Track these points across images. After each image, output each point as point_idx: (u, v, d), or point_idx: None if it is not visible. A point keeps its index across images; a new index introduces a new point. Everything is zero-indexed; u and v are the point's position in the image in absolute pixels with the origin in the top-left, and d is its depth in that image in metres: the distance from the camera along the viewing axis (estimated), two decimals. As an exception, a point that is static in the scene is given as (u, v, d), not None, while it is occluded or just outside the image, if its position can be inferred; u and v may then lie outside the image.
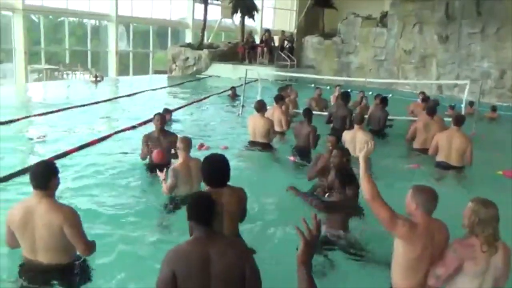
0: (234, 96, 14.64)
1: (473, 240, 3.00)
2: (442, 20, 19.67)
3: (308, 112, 8.21)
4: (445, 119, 9.34)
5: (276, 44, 24.32)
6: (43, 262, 3.43)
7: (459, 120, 7.26)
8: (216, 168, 3.80)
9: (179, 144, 5.34)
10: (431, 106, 8.83)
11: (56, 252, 3.43)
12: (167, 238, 4.50)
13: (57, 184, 3.50)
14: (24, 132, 9.28)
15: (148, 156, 6.47)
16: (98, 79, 18.22)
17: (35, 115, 10.66)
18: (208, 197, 3.04)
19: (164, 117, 6.77)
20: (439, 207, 3.22)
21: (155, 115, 6.62)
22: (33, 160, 6.82)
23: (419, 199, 3.16)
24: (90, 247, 3.47)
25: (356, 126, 7.44)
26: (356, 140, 7.26)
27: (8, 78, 19.94)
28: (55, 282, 3.48)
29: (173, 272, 2.74)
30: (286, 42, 24.02)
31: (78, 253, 3.51)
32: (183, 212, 4.53)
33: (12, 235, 3.48)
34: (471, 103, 12.62)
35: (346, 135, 7.47)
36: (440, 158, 7.22)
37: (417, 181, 3.45)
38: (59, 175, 3.52)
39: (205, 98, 14.78)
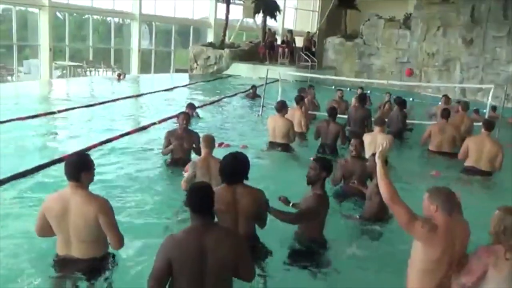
0: (254, 96, 14.60)
1: (497, 247, 2.96)
2: (467, 23, 19.37)
3: (333, 111, 8.24)
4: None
5: (299, 45, 24.27)
6: (76, 255, 3.49)
7: (489, 125, 7.16)
8: (231, 164, 3.84)
9: (202, 141, 5.41)
10: (445, 110, 8.82)
11: (90, 244, 3.49)
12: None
13: (91, 178, 3.55)
14: (47, 127, 9.46)
15: (170, 153, 6.52)
16: (121, 77, 18.38)
17: (59, 111, 10.83)
18: (206, 187, 3.05)
19: (188, 115, 6.86)
20: (467, 213, 3.16)
21: (180, 113, 6.74)
22: (55, 155, 6.99)
23: (438, 200, 3.09)
24: (122, 239, 3.49)
25: (376, 128, 7.33)
26: (377, 143, 7.18)
27: (33, 74, 20.32)
28: (88, 275, 3.52)
29: (169, 259, 2.81)
30: (309, 43, 23.96)
31: (109, 246, 3.56)
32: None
33: (45, 223, 3.52)
34: (493, 108, 12.38)
35: (366, 138, 7.38)
36: (469, 163, 7.16)
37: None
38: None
39: (225, 97, 14.83)
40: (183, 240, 2.87)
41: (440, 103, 11.68)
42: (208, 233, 2.87)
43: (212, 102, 13.87)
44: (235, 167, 3.83)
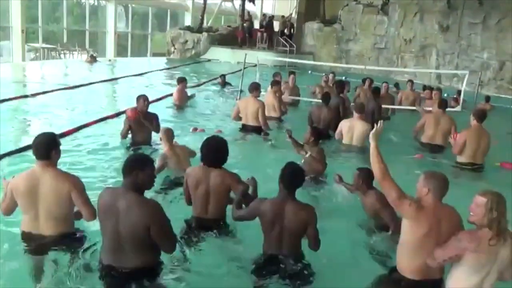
0: (223, 84, 14.02)
1: (481, 232, 3.00)
2: (444, 10, 19.56)
3: (327, 97, 8.22)
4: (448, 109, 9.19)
5: (276, 29, 24.17)
6: (44, 232, 3.52)
7: (483, 116, 6.78)
8: (211, 148, 4.15)
9: (161, 135, 5.70)
10: (444, 100, 8.53)
11: (59, 221, 3.54)
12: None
13: (59, 155, 3.58)
14: (19, 112, 9.23)
15: (130, 136, 6.73)
16: (97, 59, 18.05)
17: (32, 95, 10.57)
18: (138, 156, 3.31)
19: (148, 98, 6.77)
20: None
21: (139, 96, 6.71)
22: (27, 140, 6.83)
23: (431, 185, 3.21)
24: (95, 212, 3.42)
25: (355, 115, 7.29)
26: (354, 130, 7.22)
27: (5, 56, 19.75)
28: (56, 250, 3.53)
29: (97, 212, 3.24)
30: (286, 27, 23.88)
31: (82, 219, 3.62)
32: (175, 192, 5.05)
33: (11, 201, 3.56)
34: (487, 98, 12.41)
35: (344, 124, 7.38)
36: (465, 159, 6.79)
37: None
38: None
39: (203, 83, 14.68)
40: (104, 198, 3.21)
41: (407, 88, 11.84)
42: (122, 197, 3.10)
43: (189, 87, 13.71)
44: (215, 152, 4.15)
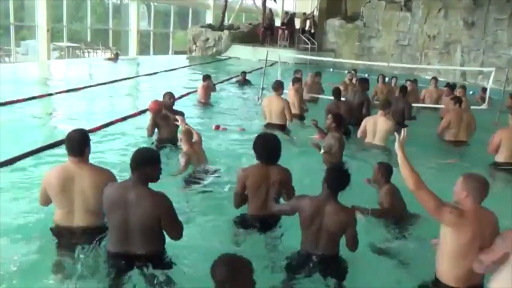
0: (243, 82, 13.90)
1: None
2: (469, 5, 19.20)
3: (338, 92, 8.20)
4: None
5: (298, 27, 24.05)
6: (80, 224, 3.62)
7: None
8: (269, 146, 4.19)
9: (182, 136, 5.83)
10: (458, 97, 8.49)
11: (94, 214, 3.62)
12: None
13: (90, 151, 3.69)
14: (45, 109, 9.40)
15: (156, 133, 6.73)
16: (111, 56, 18.12)
17: (57, 93, 10.75)
18: (149, 151, 3.40)
19: (173, 95, 6.86)
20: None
21: (165, 93, 6.78)
22: (53, 138, 6.96)
23: (470, 188, 3.09)
24: None
25: (379, 112, 7.18)
26: (377, 127, 7.11)
27: (31, 55, 20.14)
28: (90, 242, 3.60)
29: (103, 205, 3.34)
30: (307, 24, 23.74)
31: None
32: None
33: (47, 197, 3.67)
34: None
35: (368, 121, 7.24)
36: (502, 158, 6.62)
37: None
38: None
39: (224, 81, 14.71)
40: (113, 191, 3.31)
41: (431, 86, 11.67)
42: (132, 190, 3.22)
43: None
44: (274, 149, 4.20)
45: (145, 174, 3.24)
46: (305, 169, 5.72)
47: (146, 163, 3.25)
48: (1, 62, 18.06)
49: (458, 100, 8.16)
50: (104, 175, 3.61)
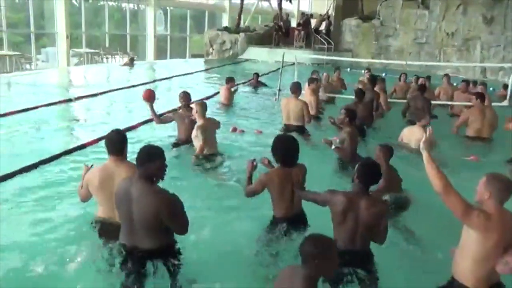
0: (256, 84, 13.59)
1: None
2: (488, 1, 18.91)
3: (360, 93, 8.13)
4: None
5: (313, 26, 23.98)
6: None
7: None
8: (291, 148, 4.20)
9: (196, 107, 6.15)
10: (480, 93, 8.41)
11: None
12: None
13: (127, 150, 3.98)
14: (67, 114, 9.56)
15: (177, 134, 6.94)
16: (134, 62, 18.27)
17: (77, 98, 10.92)
18: (152, 148, 3.43)
19: (189, 94, 6.99)
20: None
21: (181, 92, 6.97)
22: (74, 143, 7.08)
23: (493, 188, 3.01)
24: None
25: (418, 123, 6.97)
26: (412, 137, 6.81)
27: (51, 61, 20.51)
28: None
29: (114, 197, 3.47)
30: (324, 24, 23.64)
31: None
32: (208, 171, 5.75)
33: (87, 192, 3.98)
34: None
35: (407, 132, 7.02)
36: None
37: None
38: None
39: (243, 83, 14.71)
40: (118, 186, 3.48)
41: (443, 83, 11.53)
42: (134, 185, 3.31)
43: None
44: (295, 151, 4.22)
45: (148, 171, 3.29)
46: (321, 169, 5.72)
47: (149, 160, 3.30)
48: (23, 69, 18.40)
49: (479, 96, 8.08)
50: None
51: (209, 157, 6.24)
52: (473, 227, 3.03)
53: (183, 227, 3.42)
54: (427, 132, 3.39)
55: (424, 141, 3.30)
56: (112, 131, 4.00)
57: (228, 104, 10.65)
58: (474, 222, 3.01)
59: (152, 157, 3.32)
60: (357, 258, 3.53)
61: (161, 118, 6.92)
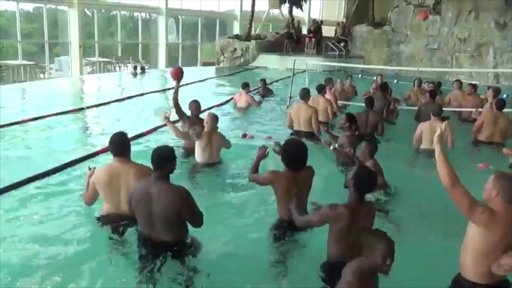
0: (264, 92, 13.16)
1: None
2: (501, 6, 18.76)
3: (370, 101, 8.13)
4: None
5: (325, 34, 23.97)
6: (124, 213, 4.04)
7: None
8: (301, 152, 4.21)
9: (207, 119, 6.22)
10: (501, 100, 8.34)
11: None
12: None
13: (130, 150, 4.26)
14: (79, 123, 9.66)
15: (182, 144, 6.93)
16: (138, 71, 18.15)
17: (89, 107, 11.03)
18: (166, 149, 3.72)
19: (199, 103, 7.04)
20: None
21: (191, 102, 7.01)
22: (85, 151, 7.14)
23: (501, 187, 3.04)
24: None
25: (433, 118, 7.19)
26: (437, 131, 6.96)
27: (64, 70, 20.77)
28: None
29: (130, 199, 3.75)
30: (338, 32, 23.65)
31: None
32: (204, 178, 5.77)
33: (93, 192, 4.23)
34: None
35: (423, 127, 7.23)
36: None
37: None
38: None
39: (255, 90, 14.71)
40: (138, 187, 3.76)
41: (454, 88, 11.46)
42: (155, 185, 3.60)
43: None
44: (303, 156, 4.22)
45: (167, 170, 3.62)
46: (324, 174, 5.74)
47: (167, 160, 3.62)
48: (37, 78, 18.65)
49: (499, 103, 8.06)
50: (145, 169, 4.01)
51: (211, 166, 6.25)
52: (477, 223, 3.07)
53: (200, 218, 3.73)
54: (443, 126, 3.43)
55: (438, 134, 3.32)
56: (116, 134, 4.25)
57: (246, 108, 10.98)
58: (478, 218, 3.04)
59: (169, 157, 3.64)
60: None
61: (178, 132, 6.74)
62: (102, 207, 4.28)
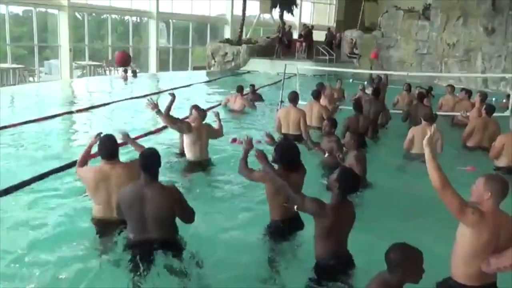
0: (253, 97, 12.59)
1: None
2: (489, 12, 18.98)
3: (359, 105, 8.15)
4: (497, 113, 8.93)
5: (315, 39, 24.10)
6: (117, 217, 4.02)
7: None
8: (295, 152, 4.21)
9: (195, 111, 6.30)
10: (490, 106, 8.43)
11: None
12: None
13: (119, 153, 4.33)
14: (68, 127, 9.59)
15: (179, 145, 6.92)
16: (129, 74, 17.97)
17: (78, 110, 10.96)
18: (153, 151, 3.79)
19: (198, 108, 6.92)
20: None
21: (191, 107, 6.83)
22: (74, 155, 7.08)
23: (494, 188, 3.07)
24: None
25: (424, 123, 7.14)
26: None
27: (54, 74, 20.65)
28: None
29: (118, 203, 3.78)
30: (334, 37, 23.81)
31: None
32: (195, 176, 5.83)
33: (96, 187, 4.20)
34: None
35: (415, 131, 7.23)
36: (503, 163, 6.80)
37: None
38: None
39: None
40: (128, 190, 3.77)
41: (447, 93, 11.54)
42: (147, 187, 3.67)
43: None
44: (297, 156, 4.24)
45: (157, 171, 3.72)
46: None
47: (156, 161, 3.72)
48: (26, 81, 18.52)
49: (488, 109, 8.11)
50: (134, 168, 3.97)
51: (203, 162, 6.37)
52: (467, 224, 3.11)
53: (192, 213, 3.86)
54: (432, 129, 3.46)
55: (428, 137, 3.34)
56: (104, 136, 4.26)
57: (240, 111, 11.13)
58: (469, 219, 3.08)
59: (158, 158, 3.74)
60: (344, 264, 3.61)
61: (169, 118, 6.58)
62: (93, 208, 4.31)
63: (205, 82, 18.51)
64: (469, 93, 11.22)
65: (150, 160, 3.71)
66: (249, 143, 4.38)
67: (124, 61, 6.07)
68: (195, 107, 6.83)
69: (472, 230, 3.09)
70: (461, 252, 3.20)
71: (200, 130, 6.28)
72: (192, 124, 6.27)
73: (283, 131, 7.98)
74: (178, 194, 3.81)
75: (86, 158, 4.48)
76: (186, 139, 6.30)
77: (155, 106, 6.03)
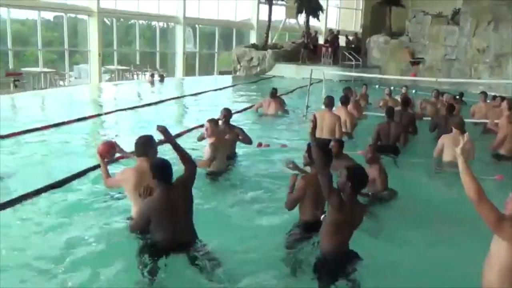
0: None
1: None
2: (520, 16, 18.55)
3: (391, 111, 8.07)
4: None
5: (341, 44, 23.98)
6: None
7: None
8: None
9: (207, 124, 6.11)
10: None
11: None
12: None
13: (156, 152, 4.63)
14: (96, 130, 9.76)
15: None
16: (156, 78, 18.27)
17: (106, 113, 11.14)
18: (165, 161, 3.98)
19: (229, 111, 7.04)
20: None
21: (222, 109, 7.04)
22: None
23: None
24: None
25: (455, 131, 7.03)
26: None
27: (83, 78, 21.07)
28: None
29: (149, 214, 3.90)
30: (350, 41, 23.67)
31: None
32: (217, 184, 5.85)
33: (117, 184, 4.61)
34: None
35: (446, 139, 7.10)
36: None
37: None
38: None
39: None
40: (157, 197, 3.96)
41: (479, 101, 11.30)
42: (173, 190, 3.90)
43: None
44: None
45: (171, 177, 3.92)
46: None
47: (171, 170, 3.91)
48: (57, 85, 18.94)
49: None
50: None
51: (218, 173, 6.22)
52: (504, 237, 2.99)
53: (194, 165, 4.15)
54: (465, 138, 3.33)
55: (461, 147, 3.24)
56: (139, 136, 4.59)
57: (274, 116, 11.28)
58: (507, 232, 2.96)
59: (170, 167, 3.91)
60: (347, 259, 3.73)
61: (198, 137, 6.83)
62: (132, 210, 4.43)
63: (230, 86, 18.59)
64: (503, 99, 10.95)
65: (167, 170, 3.90)
66: (294, 178, 4.47)
67: (107, 152, 5.81)
68: (226, 110, 6.93)
69: (509, 244, 2.97)
70: (496, 266, 3.07)
71: (216, 145, 6.09)
72: (210, 140, 6.13)
73: (317, 135, 7.93)
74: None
75: (107, 171, 4.72)
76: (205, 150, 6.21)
77: None
